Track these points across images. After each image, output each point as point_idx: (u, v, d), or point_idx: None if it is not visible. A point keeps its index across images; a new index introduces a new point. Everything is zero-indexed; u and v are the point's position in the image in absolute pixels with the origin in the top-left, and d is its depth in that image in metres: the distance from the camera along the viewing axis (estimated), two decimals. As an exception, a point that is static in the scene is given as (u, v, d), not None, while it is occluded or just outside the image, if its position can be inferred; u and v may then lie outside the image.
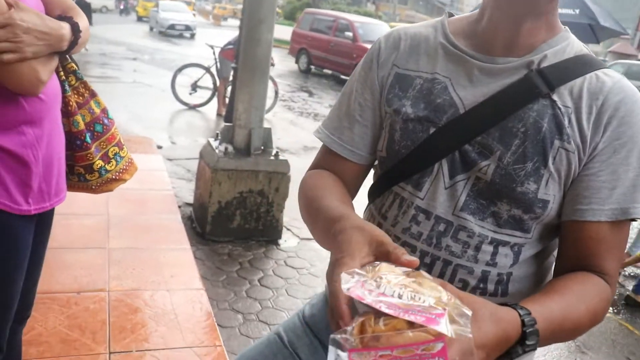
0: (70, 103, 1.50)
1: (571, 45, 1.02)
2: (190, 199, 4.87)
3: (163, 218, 4.15)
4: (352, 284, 0.68)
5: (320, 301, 1.32)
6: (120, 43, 17.29)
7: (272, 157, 4.17)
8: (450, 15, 1.15)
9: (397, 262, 0.76)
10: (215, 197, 4.06)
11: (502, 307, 0.79)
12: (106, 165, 1.60)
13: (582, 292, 0.94)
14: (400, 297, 0.65)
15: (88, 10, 18.10)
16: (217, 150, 4.12)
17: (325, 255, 4.21)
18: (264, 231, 4.24)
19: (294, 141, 8.00)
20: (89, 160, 1.56)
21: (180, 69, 9.10)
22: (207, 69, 9.19)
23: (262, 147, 4.26)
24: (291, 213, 4.53)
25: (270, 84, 5.77)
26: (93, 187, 1.63)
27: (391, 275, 0.70)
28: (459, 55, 1.05)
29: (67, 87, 1.50)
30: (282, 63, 16.91)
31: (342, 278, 0.70)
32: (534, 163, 0.95)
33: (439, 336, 0.60)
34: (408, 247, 1.04)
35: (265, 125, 4.35)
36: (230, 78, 8.00)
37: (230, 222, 4.16)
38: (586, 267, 0.97)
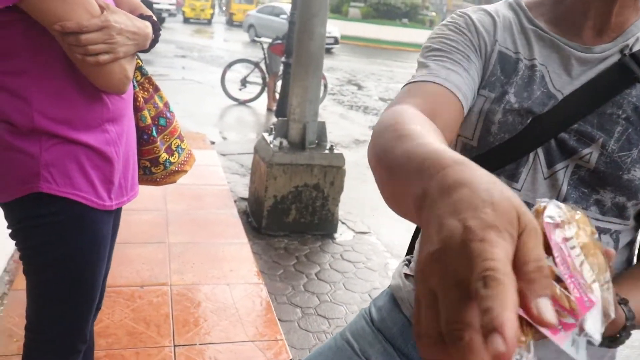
0: (138, 98, 1.53)
1: None
2: (244, 193, 4.91)
3: (220, 213, 4.19)
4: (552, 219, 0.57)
5: (387, 303, 1.25)
6: (169, 41, 17.60)
7: (326, 151, 4.16)
8: None
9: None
10: (271, 191, 4.07)
11: (617, 308, 0.81)
12: (170, 158, 1.63)
13: None
14: (577, 257, 0.56)
15: (150, 9, 18.62)
16: (271, 145, 4.13)
17: (381, 249, 4.18)
18: (319, 225, 4.23)
19: (344, 135, 7.97)
20: (155, 154, 1.59)
21: (229, 65, 9.18)
22: (256, 64, 9.24)
23: (317, 141, 4.25)
24: (346, 207, 4.51)
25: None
26: (157, 179, 1.66)
27: (583, 231, 0.60)
28: (552, 41, 1.00)
29: (134, 83, 1.52)
30: (329, 56, 16.85)
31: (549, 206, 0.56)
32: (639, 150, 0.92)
33: (574, 314, 0.52)
34: None
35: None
36: (280, 73, 8.04)
37: (286, 216, 4.16)
38: None
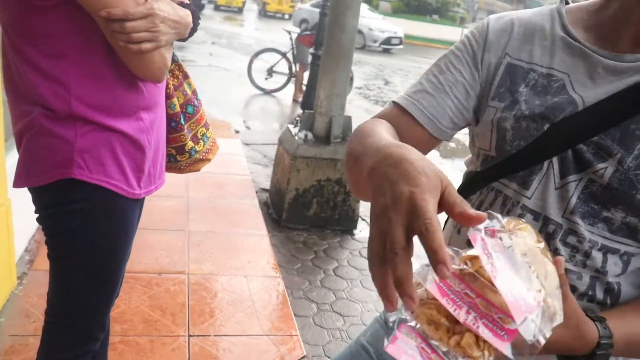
0: (169, 86, 1.52)
1: None
2: (266, 184, 4.89)
3: (241, 203, 4.18)
4: (484, 227, 0.64)
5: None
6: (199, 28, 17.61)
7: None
8: (566, 2, 1.04)
9: (462, 214, 0.62)
10: (293, 184, 4.04)
11: (586, 322, 0.81)
12: (195, 146, 1.62)
13: None
14: (514, 264, 0.63)
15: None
16: (296, 137, 4.10)
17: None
18: (339, 220, 4.20)
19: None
20: (182, 142, 1.57)
21: (257, 54, 9.16)
22: (284, 55, 9.21)
23: (342, 136, 4.20)
24: (367, 203, 4.46)
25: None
26: (182, 167, 1.65)
27: (524, 240, 0.67)
28: (581, 49, 0.95)
29: None
30: (356, 49, 16.79)
31: (484, 216, 0.63)
32: None
33: (507, 313, 0.61)
34: None
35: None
36: (308, 64, 7.99)
37: (307, 210, 4.13)
38: None
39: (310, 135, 4.13)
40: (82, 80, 1.22)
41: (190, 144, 1.59)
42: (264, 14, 29.73)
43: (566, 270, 0.92)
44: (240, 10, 29.14)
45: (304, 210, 4.13)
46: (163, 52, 1.27)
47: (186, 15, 1.34)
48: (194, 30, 1.42)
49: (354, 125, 4.40)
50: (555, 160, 0.93)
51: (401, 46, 21.05)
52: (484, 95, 1.03)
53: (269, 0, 29.45)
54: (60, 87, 1.21)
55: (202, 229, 3.62)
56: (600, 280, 0.93)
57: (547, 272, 0.67)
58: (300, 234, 4.08)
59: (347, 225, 4.23)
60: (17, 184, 1.32)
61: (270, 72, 9.33)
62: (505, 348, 0.60)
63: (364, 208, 4.45)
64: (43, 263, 2.85)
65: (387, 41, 20.43)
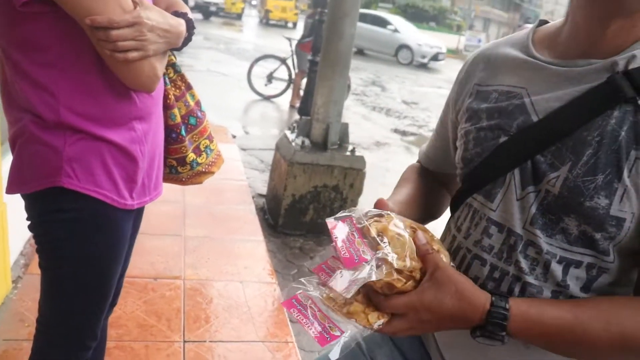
0: (169, 96, 1.49)
1: None
2: (262, 190, 4.89)
3: (238, 209, 4.18)
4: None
5: None
6: (196, 32, 17.64)
7: (348, 153, 4.12)
8: (543, 22, 1.08)
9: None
10: (290, 190, 4.05)
11: (475, 290, 0.88)
12: (197, 158, 1.59)
13: (610, 310, 0.85)
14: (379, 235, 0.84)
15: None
16: (293, 143, 4.10)
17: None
18: (336, 227, 4.19)
19: (366, 136, 7.92)
20: (183, 153, 1.55)
21: (257, 60, 9.20)
22: (283, 61, 9.24)
23: (339, 142, 4.21)
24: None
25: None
26: (183, 179, 1.62)
27: (395, 221, 0.88)
28: (536, 64, 0.98)
29: (166, 80, 1.49)
30: (354, 56, 16.81)
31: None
32: (606, 175, 0.85)
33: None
34: (478, 260, 0.99)
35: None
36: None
37: (303, 216, 4.14)
38: None
39: (307, 142, 4.13)
40: (71, 89, 1.21)
41: (191, 155, 1.57)
42: (266, 22, 28.70)
43: (527, 283, 0.94)
44: (239, 17, 29.09)
45: (300, 216, 4.14)
46: (153, 61, 1.24)
47: (178, 24, 1.31)
48: (188, 39, 1.39)
49: (350, 131, 4.41)
50: (516, 171, 0.95)
51: (443, 61, 20.56)
52: (459, 124, 1.13)
53: (272, 8, 28.45)
54: (49, 95, 1.20)
55: (199, 234, 3.62)
56: (563, 294, 0.92)
57: (402, 243, 0.84)
58: (296, 239, 4.08)
59: (344, 232, 4.23)
60: (10, 190, 1.31)
61: (270, 78, 9.36)
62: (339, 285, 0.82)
63: (361, 214, 4.45)
64: (38, 267, 2.83)
65: (435, 57, 19.82)
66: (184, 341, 2.52)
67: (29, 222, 1.35)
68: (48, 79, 1.19)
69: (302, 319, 0.85)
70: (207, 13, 25.30)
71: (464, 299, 0.86)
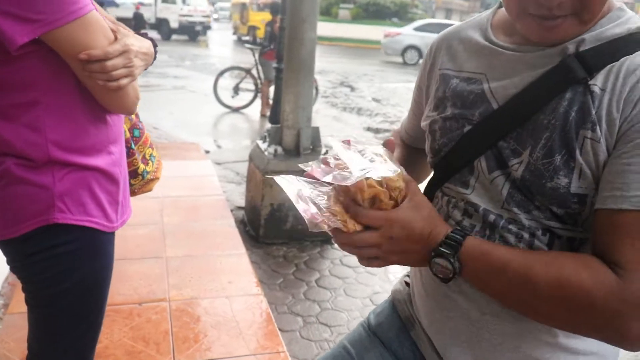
0: None
1: (623, 24, 0.92)
2: (241, 202, 4.87)
3: (217, 224, 4.15)
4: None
5: (386, 307, 1.30)
6: (160, 51, 17.53)
7: (321, 156, 4.11)
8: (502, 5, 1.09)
9: None
10: (267, 199, 4.03)
11: (441, 219, 0.96)
12: (146, 167, 1.63)
13: (555, 260, 0.87)
14: (362, 156, 0.94)
15: (142, 22, 18.53)
16: (266, 153, 4.10)
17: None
18: (317, 232, 4.19)
19: (339, 137, 7.92)
20: (135, 166, 1.58)
21: (221, 73, 9.16)
22: (248, 71, 9.22)
23: (311, 147, 4.21)
24: (344, 211, 4.47)
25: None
26: (135, 190, 1.65)
27: (373, 149, 0.97)
28: (494, 50, 1.01)
29: None
30: (321, 58, 16.85)
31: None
32: (562, 156, 0.88)
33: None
34: None
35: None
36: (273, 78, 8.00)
37: (284, 224, 4.12)
38: (602, 260, 0.85)
39: (279, 150, 4.13)
40: (57, 124, 1.21)
41: (142, 166, 1.60)
42: (253, 42, 21.61)
43: None
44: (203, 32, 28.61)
45: (280, 225, 4.12)
46: (135, 84, 1.28)
47: (150, 46, 1.36)
48: (154, 59, 1.43)
49: (323, 133, 4.41)
50: (482, 158, 0.98)
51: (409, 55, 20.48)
52: (426, 108, 1.16)
53: (256, 22, 23.48)
54: (35, 134, 1.19)
55: (180, 254, 3.59)
56: None
57: (391, 165, 0.93)
58: (279, 248, 4.07)
59: (326, 235, 4.19)
60: None
61: (237, 89, 9.34)
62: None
63: (341, 216, 4.45)
64: (18, 306, 2.79)
65: None
66: (175, 363, 2.50)
67: (13, 265, 1.32)
68: (33, 117, 1.18)
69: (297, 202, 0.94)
70: (193, 33, 24.46)
71: (432, 222, 0.93)
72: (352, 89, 13.00)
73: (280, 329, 2.91)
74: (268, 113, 8.47)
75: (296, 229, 4.15)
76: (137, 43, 1.27)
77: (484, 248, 0.91)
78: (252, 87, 9.32)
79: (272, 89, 8.29)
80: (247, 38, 7.90)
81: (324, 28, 19.87)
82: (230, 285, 3.25)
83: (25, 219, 1.23)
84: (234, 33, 25.73)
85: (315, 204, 0.91)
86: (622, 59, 0.87)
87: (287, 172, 3.60)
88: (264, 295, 3.20)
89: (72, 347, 1.41)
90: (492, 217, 0.98)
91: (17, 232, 1.24)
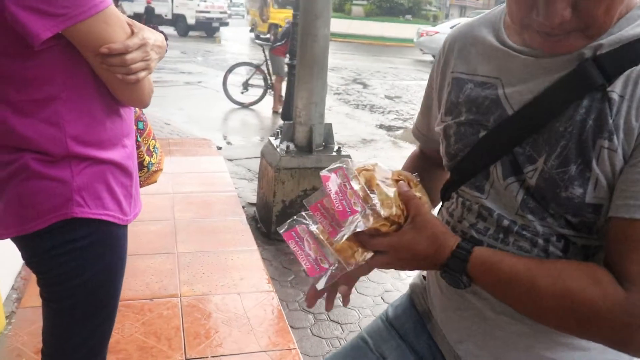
0: None
1: None
2: (252, 198, 4.86)
3: (228, 220, 4.15)
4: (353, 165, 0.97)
5: (404, 301, 1.32)
6: (172, 47, 17.60)
7: (334, 153, 4.11)
8: None
9: None
10: (279, 196, 4.03)
11: (447, 234, 0.95)
12: (151, 159, 1.64)
13: (562, 269, 0.86)
14: (368, 187, 0.94)
15: (153, 16, 18.58)
16: (278, 149, 4.08)
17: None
18: (329, 229, 4.18)
19: (351, 134, 7.91)
20: (141, 158, 1.59)
21: (230, 69, 9.16)
22: (258, 67, 9.21)
23: (324, 144, 4.20)
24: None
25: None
26: (141, 182, 1.65)
27: (382, 171, 0.99)
28: (507, 53, 0.98)
29: None
30: (334, 55, 16.81)
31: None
32: (578, 166, 0.86)
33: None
34: (475, 242, 1.01)
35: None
36: (285, 74, 7.99)
37: (295, 221, 4.11)
38: (612, 270, 0.84)
39: (292, 146, 4.11)
40: (75, 118, 1.22)
41: (147, 158, 1.62)
42: (257, 37, 22.80)
43: None
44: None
45: (292, 222, 4.11)
46: (149, 77, 1.30)
47: (163, 39, 1.36)
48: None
49: (335, 130, 4.40)
50: (498, 164, 0.97)
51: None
52: (440, 111, 1.14)
53: (281, 21, 19.70)
54: (53, 128, 1.19)
55: (191, 250, 3.59)
56: None
57: (388, 192, 0.94)
58: (290, 245, 4.06)
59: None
60: (6, 234, 1.28)
61: (246, 85, 9.33)
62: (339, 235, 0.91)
63: (353, 214, 4.43)
64: (31, 300, 2.80)
65: None
66: (186, 359, 2.50)
67: (31, 260, 1.32)
68: (51, 112, 1.19)
69: (298, 251, 0.97)
70: (210, 30, 24.17)
71: (436, 241, 0.94)
72: (365, 86, 12.97)
73: (291, 326, 2.90)
74: (280, 109, 8.47)
75: (308, 225, 4.13)
76: (152, 36, 1.27)
77: (491, 261, 0.91)
78: (262, 83, 9.30)
79: (284, 85, 8.28)
80: (267, 36, 7.76)
81: (337, 25, 19.79)
82: (242, 282, 3.24)
83: (43, 213, 1.23)
84: (251, 30, 24.68)
85: (319, 249, 0.96)
86: None
87: (299, 169, 3.59)
88: (275, 292, 3.19)
89: (87, 339, 1.42)
90: (506, 223, 0.97)
91: (35, 227, 1.24)
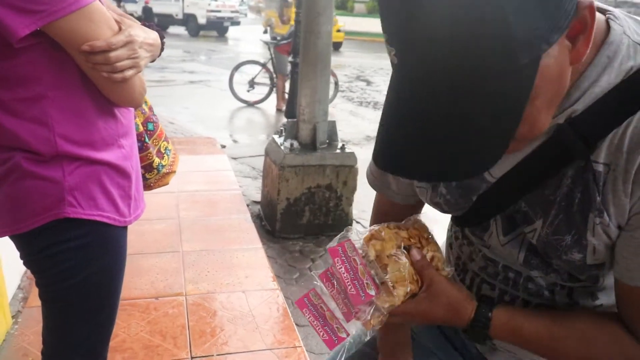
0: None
1: (614, 67, 0.74)
2: (257, 197, 4.86)
3: (233, 218, 4.15)
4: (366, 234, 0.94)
5: None
6: (176, 46, 17.61)
7: (338, 151, 4.10)
8: None
9: None
10: (284, 194, 4.02)
11: (464, 301, 0.92)
12: (162, 161, 1.62)
13: (584, 332, 0.86)
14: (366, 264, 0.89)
15: (151, 16, 18.55)
16: (282, 147, 4.08)
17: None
18: (333, 225, 4.18)
19: (355, 132, 7.91)
20: (149, 160, 1.57)
21: (237, 67, 9.16)
22: (264, 65, 9.21)
23: (328, 141, 4.19)
24: (360, 206, 4.45)
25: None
26: (151, 184, 1.64)
27: (381, 244, 0.91)
28: None
29: None
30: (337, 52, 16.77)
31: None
32: (573, 235, 0.82)
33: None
34: (487, 285, 1.01)
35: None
36: (288, 72, 7.98)
37: (300, 219, 4.11)
38: (626, 327, 0.85)
39: (295, 144, 4.11)
40: (64, 117, 1.20)
41: (157, 160, 1.60)
42: (274, 39, 19.69)
43: (539, 304, 0.96)
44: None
45: (297, 219, 4.11)
46: (141, 76, 1.27)
47: (156, 37, 1.34)
48: (161, 50, 1.41)
49: (339, 128, 4.39)
50: (498, 218, 0.94)
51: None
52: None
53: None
54: (42, 128, 1.18)
55: (196, 249, 3.59)
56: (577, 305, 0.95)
57: (400, 265, 0.89)
58: (295, 243, 4.06)
59: (342, 230, 4.21)
60: (1, 233, 1.28)
61: (252, 84, 9.32)
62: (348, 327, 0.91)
63: (357, 211, 4.44)
64: (37, 299, 2.78)
65: None
66: (192, 357, 2.50)
67: (25, 260, 1.32)
68: (40, 111, 1.17)
69: (313, 321, 0.93)
70: (221, 29, 23.87)
71: (452, 310, 0.92)
72: (369, 83, 12.95)
73: (296, 324, 2.90)
74: (284, 107, 8.46)
75: (312, 223, 4.14)
76: (142, 34, 1.24)
77: (512, 326, 0.90)
78: (268, 81, 9.30)
79: (288, 83, 8.27)
80: (287, 41, 7.48)
81: (340, 22, 19.70)
82: (247, 280, 3.24)
83: (35, 213, 1.22)
84: (265, 32, 22.15)
85: (334, 316, 0.92)
86: (626, 122, 0.73)
87: (303, 166, 3.57)
88: (280, 289, 3.19)
89: (85, 341, 1.41)
90: (511, 274, 0.97)
91: (28, 227, 1.24)
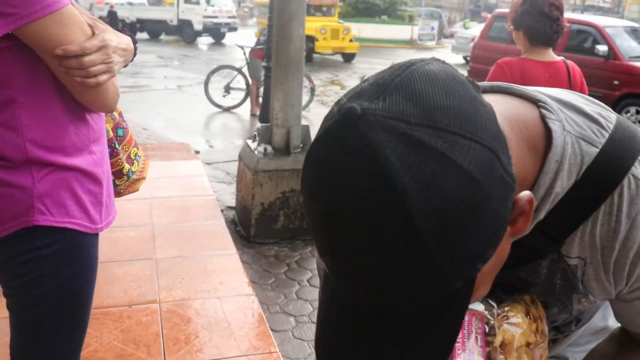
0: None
1: (564, 171, 0.71)
2: (232, 202, 4.84)
3: (207, 224, 4.12)
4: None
5: None
6: (149, 52, 17.48)
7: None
8: None
9: None
10: (258, 199, 4.01)
11: None
12: (132, 167, 1.61)
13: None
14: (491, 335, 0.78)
15: (116, 20, 18.39)
16: (256, 152, 4.07)
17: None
18: (308, 230, 4.15)
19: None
20: (119, 166, 1.56)
21: (212, 72, 9.13)
22: (239, 70, 9.19)
23: (302, 145, 4.19)
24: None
25: (305, 81, 5.71)
26: (121, 190, 1.62)
27: (510, 328, 0.80)
28: None
29: None
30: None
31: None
32: (558, 307, 0.85)
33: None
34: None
35: (302, 122, 4.29)
36: (262, 77, 7.97)
37: (275, 223, 4.10)
38: None
39: (269, 148, 4.11)
40: (35, 122, 1.18)
41: (127, 166, 1.58)
42: (310, 58, 16.91)
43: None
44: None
45: (271, 224, 4.10)
46: (114, 81, 1.26)
47: (129, 41, 1.33)
48: (134, 55, 1.40)
49: (314, 132, 4.39)
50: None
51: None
52: None
53: (319, 37, 17.26)
54: (12, 133, 1.16)
55: (170, 255, 3.56)
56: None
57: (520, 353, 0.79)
58: (270, 248, 4.05)
59: (317, 234, 4.22)
60: None
61: (228, 89, 9.30)
62: None
63: (332, 215, 4.44)
64: (4, 310, 2.74)
65: None
66: (166, 366, 2.47)
67: None
68: (9, 116, 1.15)
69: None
70: (218, 35, 23.27)
71: None
72: (343, 87, 12.99)
73: (272, 329, 2.89)
74: (258, 112, 8.44)
75: (287, 228, 4.13)
76: (115, 38, 1.23)
77: None
78: (244, 86, 9.28)
79: (262, 88, 8.26)
80: (261, 46, 7.28)
81: (354, 29, 19.48)
82: (222, 286, 3.22)
83: (4, 221, 1.20)
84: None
85: None
86: (592, 218, 0.72)
87: (277, 171, 3.56)
88: (256, 295, 3.18)
89: (56, 351, 1.38)
90: None
91: None
